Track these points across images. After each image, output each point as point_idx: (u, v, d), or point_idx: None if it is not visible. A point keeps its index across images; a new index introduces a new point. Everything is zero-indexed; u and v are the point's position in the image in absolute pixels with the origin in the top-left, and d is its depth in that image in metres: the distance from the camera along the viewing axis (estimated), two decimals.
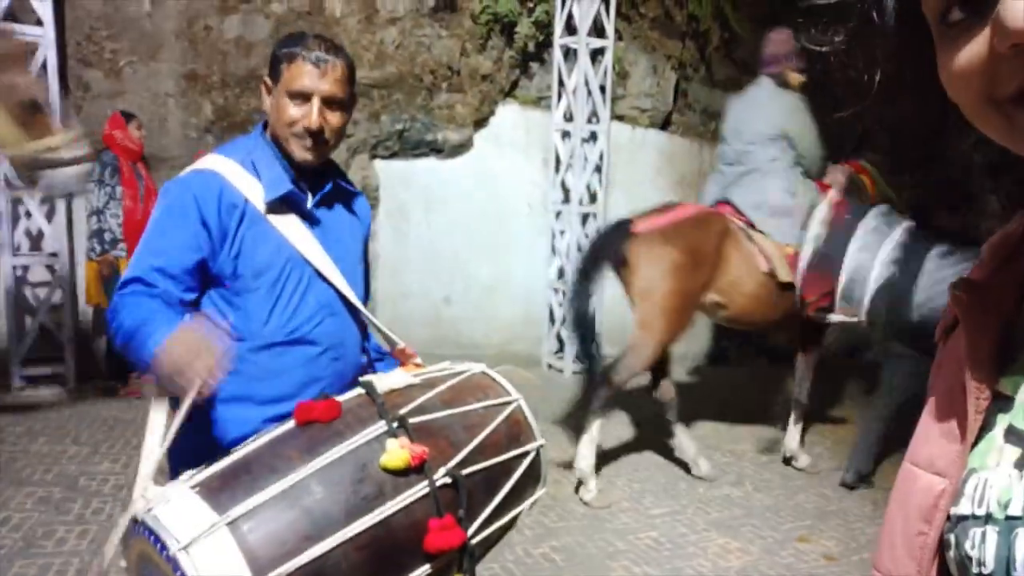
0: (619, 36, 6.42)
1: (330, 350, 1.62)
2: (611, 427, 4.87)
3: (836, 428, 5.09)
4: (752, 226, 4.01)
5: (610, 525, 3.53)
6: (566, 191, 6.35)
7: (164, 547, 1.14)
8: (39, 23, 4.93)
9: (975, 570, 0.53)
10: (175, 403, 1.41)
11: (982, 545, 0.53)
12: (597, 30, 6.14)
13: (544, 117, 6.40)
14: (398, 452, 1.31)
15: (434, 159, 6.19)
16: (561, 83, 6.24)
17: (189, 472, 1.31)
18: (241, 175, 1.56)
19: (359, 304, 1.67)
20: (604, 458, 4.34)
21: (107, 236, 4.95)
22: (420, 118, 6.06)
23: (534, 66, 6.39)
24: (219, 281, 1.57)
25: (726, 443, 4.72)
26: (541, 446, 1.55)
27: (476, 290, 6.34)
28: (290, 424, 1.37)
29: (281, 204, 1.58)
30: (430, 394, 1.44)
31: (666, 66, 6.81)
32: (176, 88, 5.69)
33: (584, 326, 3.93)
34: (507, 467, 1.46)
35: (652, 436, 4.72)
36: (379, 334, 1.76)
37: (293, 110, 1.57)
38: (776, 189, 4.00)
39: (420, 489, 1.31)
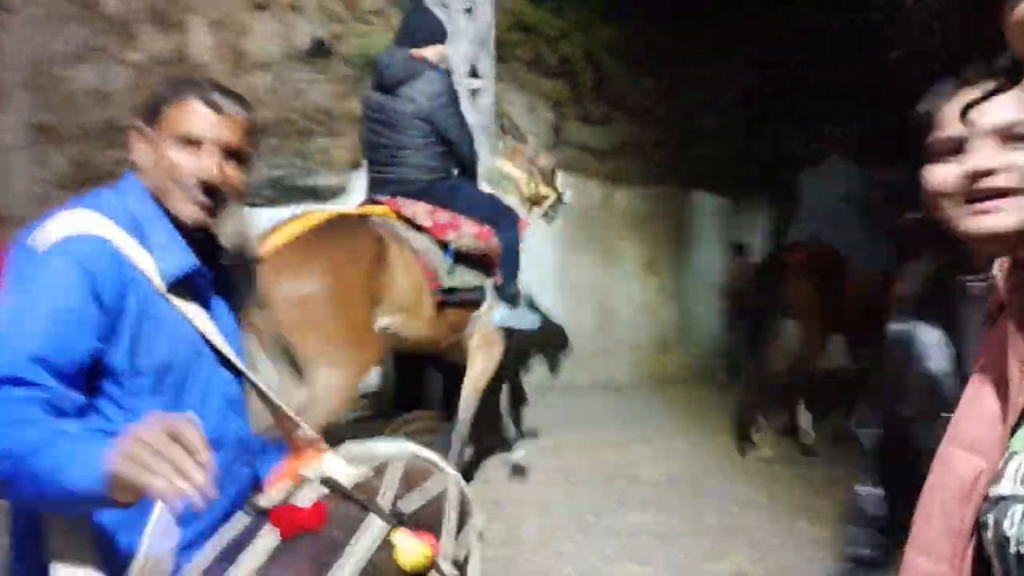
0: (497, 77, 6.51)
1: (234, 453, 1.37)
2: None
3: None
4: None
5: (521, 569, 3.43)
6: None
7: None
8: None
9: (1013, 549, 0.53)
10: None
11: (1021, 524, 0.53)
12: (473, 71, 6.20)
13: None
14: (418, 548, 1.12)
15: (311, 204, 6.01)
16: None
17: None
18: (129, 242, 1.24)
19: (266, 389, 1.38)
20: (509, 500, 4.26)
21: None
22: (297, 164, 5.89)
23: None
24: (111, 381, 1.22)
25: (625, 468, 4.75)
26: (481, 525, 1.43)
27: None
28: (267, 540, 1.09)
29: (179, 281, 1.29)
30: (391, 483, 1.25)
31: (542, 105, 6.98)
32: (24, 139, 5.26)
33: (760, 345, 5.13)
34: (470, 548, 1.34)
35: (555, 472, 4.68)
36: (280, 418, 1.45)
37: (180, 157, 1.29)
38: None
39: None
